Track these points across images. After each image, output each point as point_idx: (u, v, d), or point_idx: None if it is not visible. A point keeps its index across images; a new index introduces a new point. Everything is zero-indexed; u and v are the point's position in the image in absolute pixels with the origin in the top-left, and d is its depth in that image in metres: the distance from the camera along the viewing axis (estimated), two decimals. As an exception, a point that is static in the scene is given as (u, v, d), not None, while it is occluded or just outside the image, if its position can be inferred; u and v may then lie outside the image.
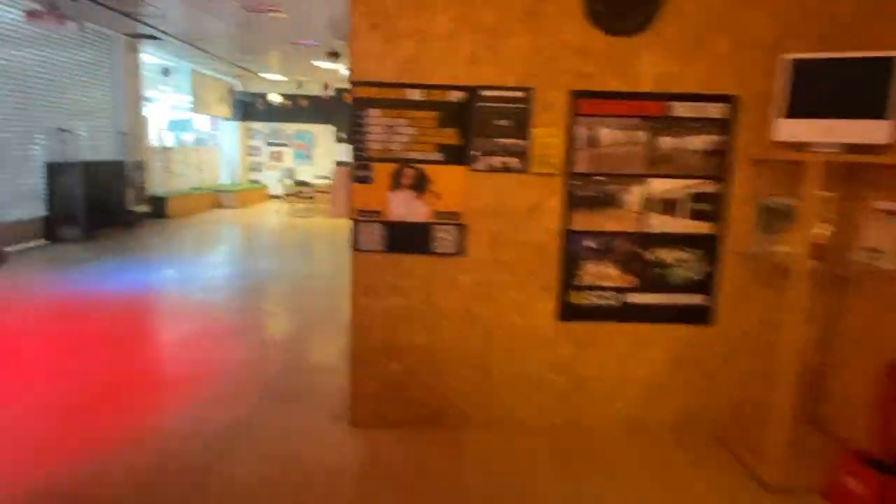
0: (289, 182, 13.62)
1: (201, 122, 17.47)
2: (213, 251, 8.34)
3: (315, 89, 15.18)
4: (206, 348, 4.25)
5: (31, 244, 7.84)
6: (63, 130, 8.31)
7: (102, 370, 3.76)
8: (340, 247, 8.75)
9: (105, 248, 7.90)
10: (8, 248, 6.97)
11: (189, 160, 13.30)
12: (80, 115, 8.99)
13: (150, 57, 11.26)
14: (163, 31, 8.95)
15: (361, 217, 2.94)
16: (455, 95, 2.85)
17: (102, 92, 9.62)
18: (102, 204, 8.95)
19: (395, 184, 2.91)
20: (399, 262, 2.97)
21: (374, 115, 2.87)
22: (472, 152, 2.89)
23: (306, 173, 16.08)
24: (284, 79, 14.22)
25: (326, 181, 13.25)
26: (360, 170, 2.93)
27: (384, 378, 3.05)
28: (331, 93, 14.77)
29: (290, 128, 16.12)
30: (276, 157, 16.31)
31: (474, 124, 2.87)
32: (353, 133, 2.91)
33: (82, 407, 3.23)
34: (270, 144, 16.23)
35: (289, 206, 13.38)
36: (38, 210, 8.11)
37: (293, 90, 15.28)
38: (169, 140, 14.07)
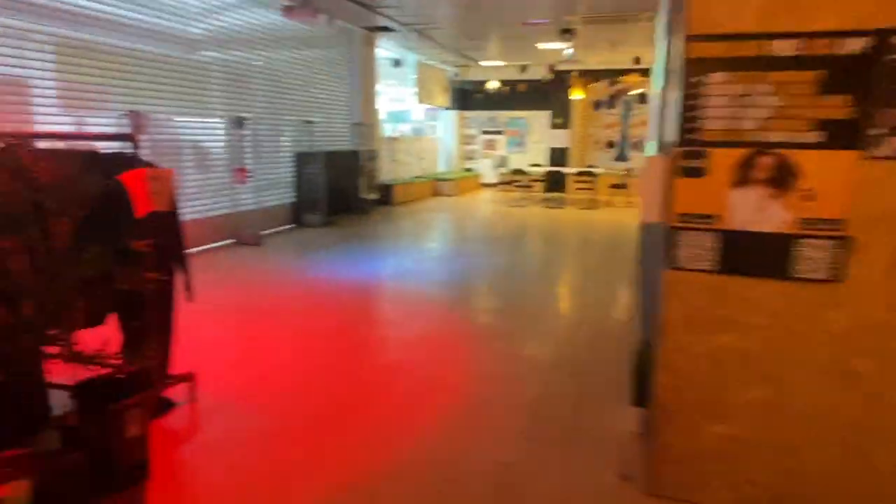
0: (503, 170, 13.30)
1: (417, 112, 18.16)
2: (442, 240, 8.27)
3: (535, 73, 14.62)
4: (447, 355, 3.85)
5: (281, 228, 8.50)
6: (308, 122, 8.85)
7: (336, 378, 3.54)
8: (575, 245, 8.05)
9: (343, 233, 8.26)
10: (262, 232, 7.56)
11: (412, 149, 13.69)
12: (320, 108, 9.54)
13: (381, 51, 11.68)
14: (397, 21, 9.06)
15: (685, 223, 2.16)
16: (852, 45, 1.90)
17: (341, 85, 10.13)
18: (340, 191, 9.42)
19: (742, 178, 2.06)
20: (737, 289, 2.13)
21: (717, 82, 2.05)
22: (872, 131, 1.92)
23: (519, 161, 15.68)
24: (502, 64, 13.89)
25: (538, 169, 12.64)
26: (687, 158, 2.13)
27: (701, 441, 2.25)
28: (549, 76, 14.08)
29: (504, 115, 15.81)
30: (490, 145, 16.16)
31: (881, 88, 1.89)
32: (682, 109, 2.12)
33: (316, 421, 2.97)
34: (484, 132, 16.12)
35: (503, 195, 13.06)
36: (288, 197, 8.77)
37: (513, 76, 14.88)
38: (392, 130, 14.69)
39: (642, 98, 14.48)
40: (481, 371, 3.59)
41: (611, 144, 15.13)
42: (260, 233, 7.39)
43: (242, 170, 7.18)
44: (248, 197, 7.64)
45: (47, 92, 5.13)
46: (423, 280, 5.85)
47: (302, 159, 8.83)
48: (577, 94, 12.84)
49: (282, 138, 8.62)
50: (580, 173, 11.77)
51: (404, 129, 17.13)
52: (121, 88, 5.69)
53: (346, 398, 3.19)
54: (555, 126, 14.89)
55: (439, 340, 4.13)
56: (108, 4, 5.57)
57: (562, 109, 14.72)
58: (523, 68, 14.47)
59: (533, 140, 15.66)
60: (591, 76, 13.08)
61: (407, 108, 18.98)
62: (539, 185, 12.58)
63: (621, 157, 15.08)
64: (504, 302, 5.22)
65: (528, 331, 4.37)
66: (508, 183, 12.57)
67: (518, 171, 12.32)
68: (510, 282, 5.82)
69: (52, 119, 5.13)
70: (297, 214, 8.91)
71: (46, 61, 5.13)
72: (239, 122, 7.15)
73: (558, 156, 14.89)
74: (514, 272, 6.15)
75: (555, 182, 12.08)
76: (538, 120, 15.50)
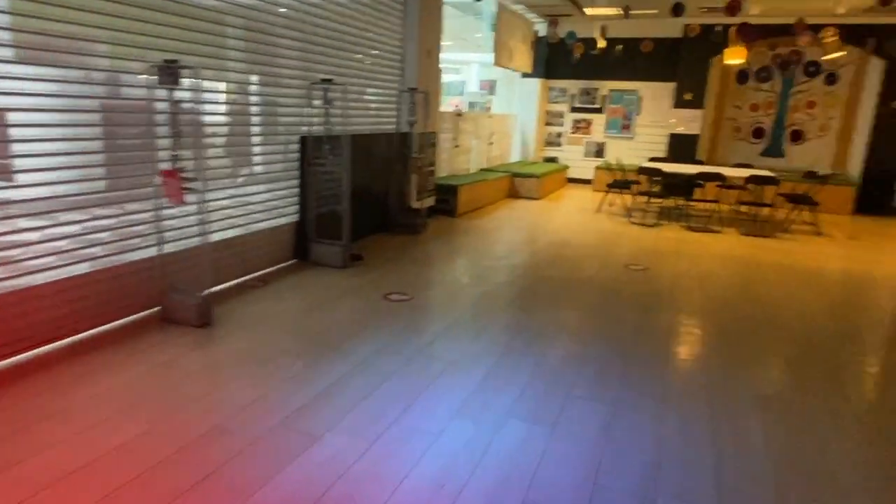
0: (609, 163, 9.21)
1: (471, 82, 14.12)
2: (579, 312, 4.38)
3: (661, 28, 10.36)
4: None
5: (268, 271, 4.81)
6: (326, 83, 5.05)
7: None
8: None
9: (379, 283, 4.47)
10: (212, 292, 3.85)
11: (480, 131, 9.72)
12: (349, 61, 5.71)
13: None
14: None
15: None
16: None
17: (385, 26, 6.26)
18: (376, 199, 5.69)
19: None
20: None
21: None
22: None
23: (621, 150, 11.52)
24: (618, 11, 9.70)
25: (673, 168, 8.50)
26: None
27: None
28: (693, 31, 9.82)
29: (606, 86, 11.64)
30: (583, 127, 12.04)
31: None
32: None
33: None
34: (575, 110, 12.00)
35: (600, 199, 9.03)
36: (286, 213, 5.04)
37: (625, 31, 10.63)
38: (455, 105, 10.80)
39: (813, 69, 10.07)
40: None
41: (758, 133, 10.81)
42: (207, 299, 3.67)
43: (173, 174, 3.44)
44: (192, 222, 3.91)
45: None
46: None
47: (311, 147, 5.08)
48: (734, 58, 8.60)
49: (278, 110, 4.86)
50: (753, 178, 7.58)
51: (456, 104, 13.19)
52: None
53: None
54: (681, 104, 10.64)
55: None
56: None
57: (694, 81, 10.45)
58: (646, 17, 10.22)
59: (643, 122, 11.47)
60: (754, 32, 8.81)
61: (461, 77, 14.99)
62: (652, 189, 8.52)
63: (773, 152, 10.75)
64: None
65: None
66: (623, 185, 8.50)
67: (648, 171, 8.21)
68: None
69: None
70: (301, 242, 5.19)
71: None
72: (171, 74, 3.38)
73: (682, 146, 10.68)
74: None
75: (680, 187, 8.01)
76: (656, 95, 11.27)
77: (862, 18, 9.09)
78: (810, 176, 8.60)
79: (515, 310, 4.21)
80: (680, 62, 10.46)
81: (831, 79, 10.15)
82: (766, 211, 8.16)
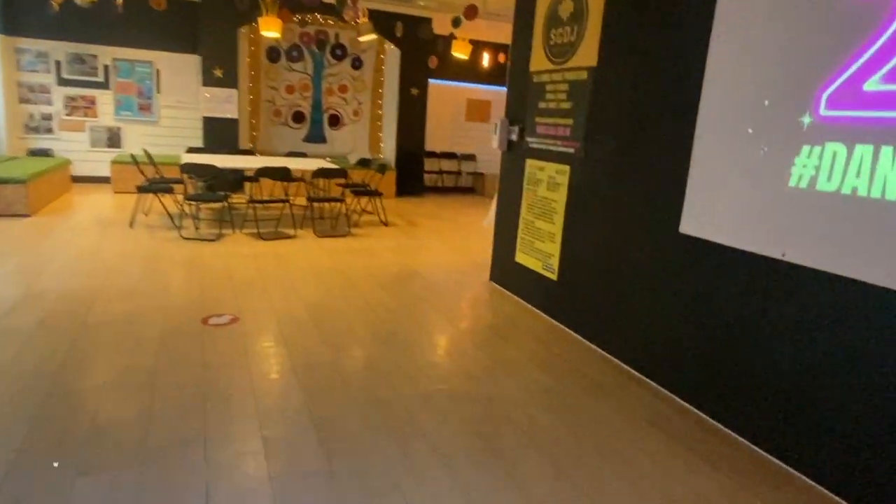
0: (134, 156, 6.82)
1: None
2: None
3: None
4: None
5: None
6: None
7: None
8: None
9: None
10: None
11: None
12: None
13: None
14: None
15: None
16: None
17: None
18: None
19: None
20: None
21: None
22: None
23: (144, 139, 9.10)
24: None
25: (232, 162, 6.85)
26: None
27: None
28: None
29: (108, 53, 8.84)
30: (85, 107, 8.91)
31: None
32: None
33: None
34: (67, 83, 8.76)
35: (141, 207, 6.76)
36: None
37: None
38: None
39: (340, 52, 9.93)
40: None
41: (299, 117, 10.11)
42: None
43: None
44: None
45: None
46: None
47: None
48: (269, 29, 7.40)
49: None
50: (321, 171, 6.58)
51: None
52: None
53: None
54: (212, 81, 8.88)
55: None
56: None
57: (223, 54, 8.83)
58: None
59: (167, 103, 9.24)
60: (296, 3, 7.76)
61: None
62: (199, 189, 6.90)
63: (315, 137, 10.28)
64: None
65: None
66: (162, 187, 6.37)
67: (194, 166, 6.18)
68: None
69: None
70: None
71: None
72: None
73: (221, 132, 9.02)
74: None
75: (232, 184, 6.61)
76: (178, 69, 9.15)
77: (382, 4, 9.24)
78: (364, 164, 8.34)
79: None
80: (202, 30, 8.66)
81: (357, 63, 10.22)
82: (335, 206, 7.44)
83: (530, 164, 4.46)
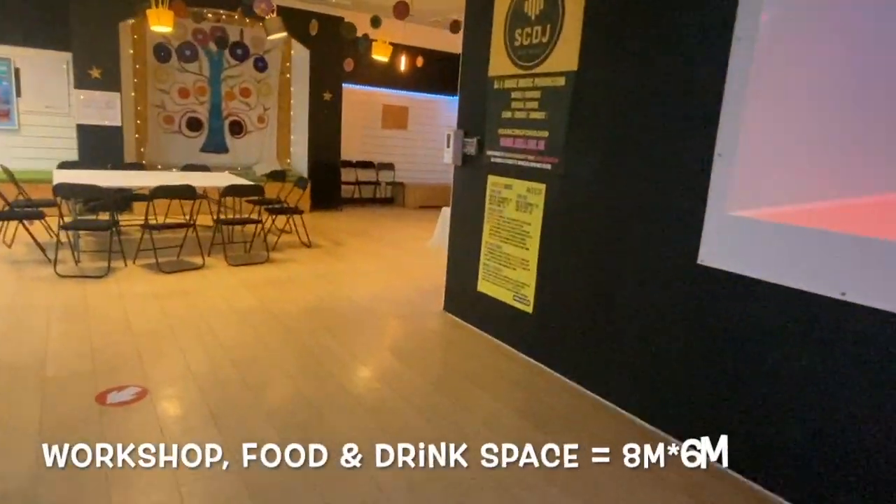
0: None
1: None
2: None
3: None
4: None
5: None
6: None
7: None
8: None
9: None
10: None
11: None
12: None
13: None
14: None
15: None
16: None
17: None
18: None
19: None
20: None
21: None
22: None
23: (3, 151, 7.63)
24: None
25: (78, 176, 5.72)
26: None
27: None
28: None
29: (-53, 49, 7.27)
30: (-84, 112, 7.26)
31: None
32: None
33: None
34: None
35: (3, 237, 5.50)
36: None
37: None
38: None
39: (240, 52, 8.93)
40: None
41: (195, 125, 8.95)
42: None
43: None
44: None
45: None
46: None
47: None
48: (160, 24, 6.34)
49: None
50: (232, 189, 5.62)
51: None
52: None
53: None
54: (88, 84, 7.54)
55: None
56: None
57: (101, 52, 7.54)
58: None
59: (31, 108, 7.77)
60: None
61: None
62: (80, 213, 5.81)
63: (215, 146, 9.16)
64: None
65: None
66: (31, 213, 5.19)
67: (69, 187, 4.97)
68: None
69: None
70: None
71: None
72: None
73: (101, 143, 7.71)
74: None
75: (109, 207, 5.56)
76: (43, 67, 7.71)
77: (290, 1, 8.36)
78: (277, 177, 7.44)
79: None
80: (74, 22, 7.34)
81: (261, 64, 9.24)
82: (248, 227, 6.49)
83: (493, 181, 3.93)
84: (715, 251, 2.59)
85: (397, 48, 9.67)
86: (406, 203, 10.64)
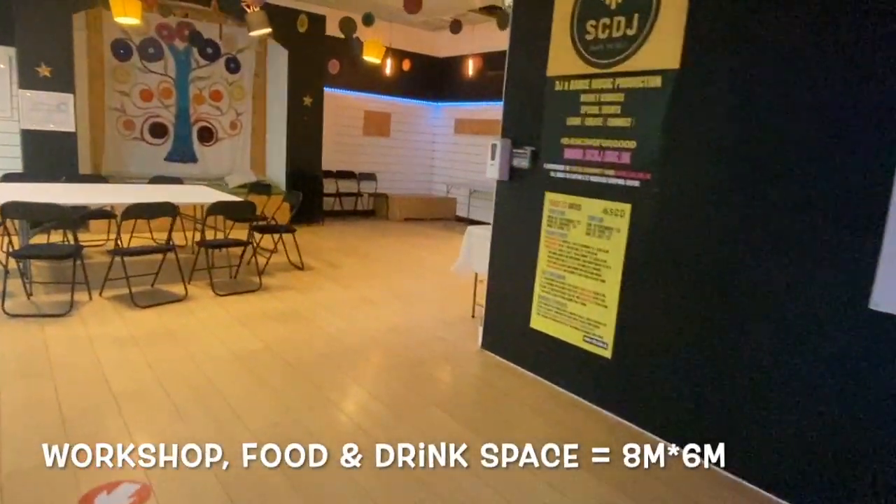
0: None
1: None
2: None
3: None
4: None
5: None
6: None
7: None
8: None
9: None
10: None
11: None
12: None
13: None
14: None
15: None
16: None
17: None
18: None
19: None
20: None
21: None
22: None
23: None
24: None
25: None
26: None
27: None
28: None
29: None
30: None
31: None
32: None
33: None
34: None
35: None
36: None
37: None
38: None
39: (210, 51, 8.10)
40: None
41: (159, 131, 8.03)
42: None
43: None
44: None
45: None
46: None
47: None
48: (125, 15, 5.48)
49: None
50: (218, 207, 4.79)
51: None
52: None
53: None
54: (35, 83, 6.55)
55: None
56: None
57: (53, 48, 6.57)
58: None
59: (-35, 111, 6.71)
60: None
61: None
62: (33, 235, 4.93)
63: (182, 156, 8.25)
64: None
65: None
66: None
67: (20, 206, 4.06)
68: None
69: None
70: None
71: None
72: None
73: (51, 151, 6.71)
74: None
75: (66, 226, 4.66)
76: (-21, 65, 6.68)
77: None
78: (261, 189, 6.62)
79: None
80: (18, 14, 6.36)
81: (233, 65, 8.40)
82: (234, 249, 5.67)
83: (553, 199, 3.33)
84: (894, 294, 2.06)
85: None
86: (390, 216, 9.94)
